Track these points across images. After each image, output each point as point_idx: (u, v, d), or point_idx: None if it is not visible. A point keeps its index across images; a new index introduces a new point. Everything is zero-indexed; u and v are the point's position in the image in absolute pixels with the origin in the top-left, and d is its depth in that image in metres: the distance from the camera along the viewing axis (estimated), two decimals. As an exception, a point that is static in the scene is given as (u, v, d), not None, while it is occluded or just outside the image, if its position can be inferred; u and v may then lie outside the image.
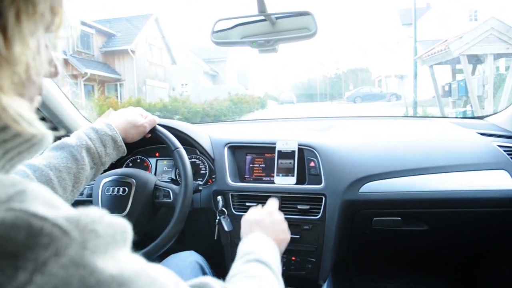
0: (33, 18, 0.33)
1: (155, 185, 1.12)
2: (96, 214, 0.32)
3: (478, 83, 7.39)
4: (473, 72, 7.97)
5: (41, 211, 0.29)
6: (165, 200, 1.11)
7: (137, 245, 1.13)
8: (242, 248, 0.75)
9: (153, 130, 1.10)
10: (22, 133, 0.34)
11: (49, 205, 0.31)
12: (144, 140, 1.12)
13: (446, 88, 9.25)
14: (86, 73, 13.07)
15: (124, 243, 0.34)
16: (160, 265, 0.39)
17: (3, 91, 0.32)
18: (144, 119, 1.07)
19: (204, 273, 1.04)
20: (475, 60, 7.63)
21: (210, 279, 0.51)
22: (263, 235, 0.81)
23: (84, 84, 13.43)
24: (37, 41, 0.35)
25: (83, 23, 14.71)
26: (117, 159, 1.01)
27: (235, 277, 0.63)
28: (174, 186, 1.12)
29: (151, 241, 1.03)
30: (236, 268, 0.68)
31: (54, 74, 0.43)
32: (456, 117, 4.59)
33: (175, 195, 1.10)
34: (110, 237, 0.32)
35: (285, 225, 0.90)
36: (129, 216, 1.06)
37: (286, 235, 0.88)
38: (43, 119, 1.29)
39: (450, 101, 8.98)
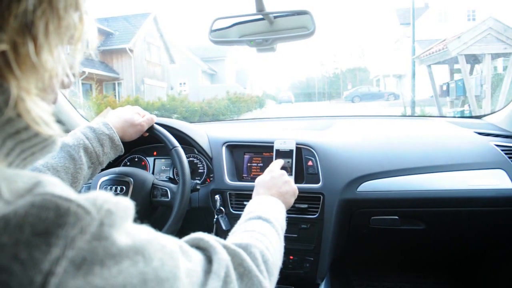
0: (58, 30, 0.36)
1: (153, 184, 1.12)
2: (105, 196, 0.36)
3: (476, 83, 7.40)
4: (471, 72, 7.98)
5: (65, 194, 0.32)
6: (163, 199, 1.10)
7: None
8: (245, 209, 0.80)
9: (151, 129, 1.10)
10: (40, 134, 0.38)
11: (67, 190, 0.34)
12: (142, 139, 1.11)
13: (444, 88, 9.27)
14: (84, 72, 13.00)
15: (129, 217, 0.39)
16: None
17: (29, 94, 0.35)
18: (141, 118, 1.07)
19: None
20: (473, 59, 7.64)
21: (204, 234, 0.54)
22: (267, 195, 0.89)
23: (82, 83, 13.36)
24: (58, 52, 0.38)
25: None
26: (114, 158, 1.01)
27: (234, 234, 0.68)
28: (172, 185, 1.12)
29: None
30: (237, 225, 0.73)
31: (68, 85, 0.46)
32: (454, 117, 4.60)
33: (173, 194, 1.10)
34: (121, 212, 0.36)
35: (286, 177, 0.97)
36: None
37: (288, 186, 0.95)
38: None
39: (448, 100, 8.99)
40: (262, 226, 0.69)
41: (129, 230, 0.36)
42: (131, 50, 16.01)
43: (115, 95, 14.99)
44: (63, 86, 0.46)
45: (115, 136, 0.97)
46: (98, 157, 0.93)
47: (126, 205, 0.38)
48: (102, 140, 0.95)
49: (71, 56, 0.42)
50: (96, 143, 0.93)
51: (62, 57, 0.39)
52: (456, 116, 7.10)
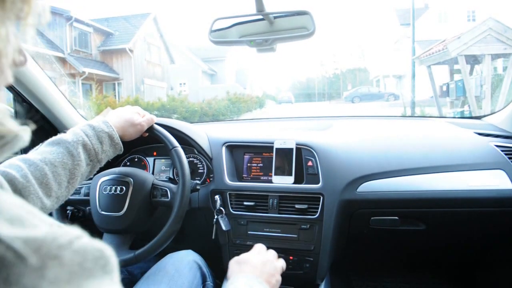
0: (3, 5, 0.32)
1: (153, 184, 1.12)
2: (67, 237, 0.28)
3: (476, 83, 7.41)
4: (471, 72, 8.00)
5: (2, 230, 0.25)
6: (163, 199, 1.10)
7: (135, 245, 1.12)
8: None
9: (151, 129, 1.10)
10: None
11: (14, 222, 0.27)
12: (142, 139, 1.11)
13: (444, 88, 9.28)
14: (84, 72, 13.03)
15: (101, 271, 0.29)
16: None
17: None
18: (141, 118, 1.07)
19: (201, 273, 1.04)
20: (473, 60, 7.66)
21: None
22: (252, 276, 0.75)
23: (82, 83, 13.37)
24: (6, 29, 0.34)
25: (81, 22, 14.67)
26: (113, 156, 1.01)
27: None
28: (171, 185, 1.12)
29: (149, 241, 1.03)
30: None
31: (22, 63, 0.41)
32: (454, 117, 4.59)
33: (172, 194, 1.09)
34: (76, 265, 0.27)
35: (275, 262, 0.84)
36: (126, 216, 1.06)
37: (276, 273, 0.82)
38: (43, 117, 1.29)
39: (448, 101, 9.00)
40: None
41: None
42: (131, 50, 16.02)
43: (115, 95, 15.00)
44: (15, 65, 0.41)
45: (114, 134, 0.97)
46: (96, 155, 0.93)
47: (96, 254, 0.29)
48: (101, 137, 0.94)
49: (22, 32, 0.37)
50: (95, 140, 0.93)
51: (10, 34, 0.35)
52: (456, 116, 7.09)
